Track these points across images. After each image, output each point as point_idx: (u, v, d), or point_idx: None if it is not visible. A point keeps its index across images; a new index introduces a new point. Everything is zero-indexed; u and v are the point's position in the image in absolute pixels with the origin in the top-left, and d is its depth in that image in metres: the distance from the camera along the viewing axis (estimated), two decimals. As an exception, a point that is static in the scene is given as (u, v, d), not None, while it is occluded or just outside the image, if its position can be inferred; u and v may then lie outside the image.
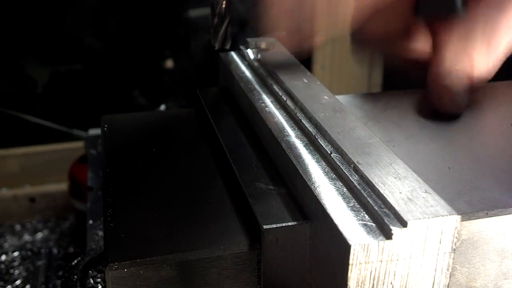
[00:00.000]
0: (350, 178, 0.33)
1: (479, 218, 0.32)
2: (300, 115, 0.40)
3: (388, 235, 0.28)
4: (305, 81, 0.45)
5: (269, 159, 0.40)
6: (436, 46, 0.49)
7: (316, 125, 0.39)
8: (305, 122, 0.39)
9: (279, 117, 0.41)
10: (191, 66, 1.68)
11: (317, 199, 0.32)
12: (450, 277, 0.30)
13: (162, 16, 1.61)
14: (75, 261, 0.54)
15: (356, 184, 0.32)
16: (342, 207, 0.31)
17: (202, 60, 1.65)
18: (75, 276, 0.53)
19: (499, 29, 0.47)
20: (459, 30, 0.48)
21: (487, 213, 0.33)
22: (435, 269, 0.30)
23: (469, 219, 0.32)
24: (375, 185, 0.31)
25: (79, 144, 1.53)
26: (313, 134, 0.38)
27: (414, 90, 0.53)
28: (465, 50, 0.47)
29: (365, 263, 0.28)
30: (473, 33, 0.48)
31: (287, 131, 0.39)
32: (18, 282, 1.14)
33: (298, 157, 0.36)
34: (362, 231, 0.29)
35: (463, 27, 0.48)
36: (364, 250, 0.28)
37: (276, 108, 0.43)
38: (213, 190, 0.39)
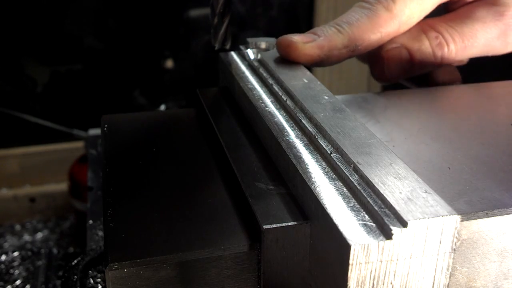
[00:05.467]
0: (350, 178, 0.33)
1: (479, 218, 0.32)
2: (300, 115, 0.40)
3: (388, 235, 0.28)
4: (305, 81, 0.45)
5: (269, 159, 0.40)
6: None
7: (316, 125, 0.39)
8: (305, 122, 0.39)
9: (279, 117, 0.41)
10: (191, 66, 1.68)
11: (317, 199, 0.32)
12: (450, 277, 0.30)
13: (162, 16, 1.61)
14: (75, 261, 0.54)
15: (356, 184, 0.32)
16: (342, 207, 0.31)
17: (202, 60, 1.65)
18: (75, 276, 0.53)
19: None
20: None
21: (487, 213, 0.33)
22: (435, 269, 0.30)
23: (469, 219, 0.32)
24: (375, 185, 0.31)
25: (79, 144, 1.53)
26: (313, 134, 0.38)
27: (414, 90, 0.53)
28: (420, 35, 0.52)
29: (365, 263, 0.28)
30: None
31: (287, 131, 0.39)
32: (18, 282, 1.14)
33: (298, 157, 0.36)
34: (362, 231, 0.29)
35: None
36: (364, 250, 0.28)
37: (276, 108, 0.43)
38: (213, 190, 0.39)
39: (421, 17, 0.51)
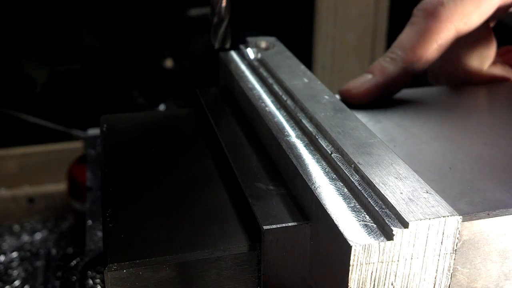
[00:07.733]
0: (351, 178, 0.32)
1: (480, 218, 0.32)
2: (300, 115, 0.40)
3: (389, 235, 0.28)
4: (306, 80, 0.45)
5: (269, 159, 0.40)
6: None
7: (317, 125, 0.38)
8: (305, 122, 0.39)
9: (279, 117, 0.41)
10: (191, 66, 1.68)
11: (318, 199, 0.31)
12: (451, 278, 0.30)
13: (162, 15, 1.61)
14: (74, 261, 0.54)
15: (356, 185, 0.32)
16: (343, 207, 0.31)
17: (202, 60, 1.65)
18: (74, 277, 0.53)
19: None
20: None
21: (488, 214, 0.33)
22: (436, 270, 0.30)
23: (471, 219, 0.32)
24: (376, 185, 0.31)
25: (78, 144, 1.53)
26: (314, 134, 0.38)
27: (415, 90, 0.53)
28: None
29: (366, 264, 0.28)
30: None
31: (287, 131, 0.39)
32: (17, 282, 1.14)
33: (298, 157, 0.36)
34: (363, 231, 0.29)
35: None
36: (365, 251, 0.28)
37: (276, 108, 0.43)
38: (213, 190, 0.39)
39: (482, 19, 0.48)
